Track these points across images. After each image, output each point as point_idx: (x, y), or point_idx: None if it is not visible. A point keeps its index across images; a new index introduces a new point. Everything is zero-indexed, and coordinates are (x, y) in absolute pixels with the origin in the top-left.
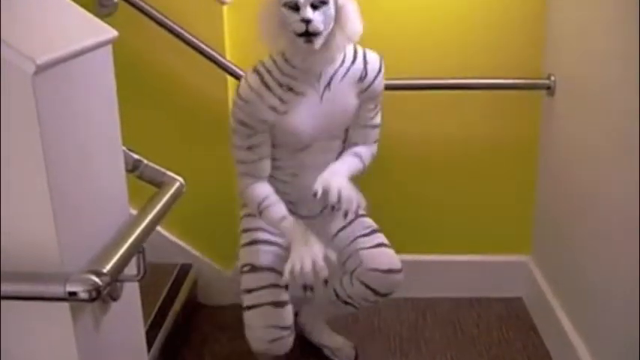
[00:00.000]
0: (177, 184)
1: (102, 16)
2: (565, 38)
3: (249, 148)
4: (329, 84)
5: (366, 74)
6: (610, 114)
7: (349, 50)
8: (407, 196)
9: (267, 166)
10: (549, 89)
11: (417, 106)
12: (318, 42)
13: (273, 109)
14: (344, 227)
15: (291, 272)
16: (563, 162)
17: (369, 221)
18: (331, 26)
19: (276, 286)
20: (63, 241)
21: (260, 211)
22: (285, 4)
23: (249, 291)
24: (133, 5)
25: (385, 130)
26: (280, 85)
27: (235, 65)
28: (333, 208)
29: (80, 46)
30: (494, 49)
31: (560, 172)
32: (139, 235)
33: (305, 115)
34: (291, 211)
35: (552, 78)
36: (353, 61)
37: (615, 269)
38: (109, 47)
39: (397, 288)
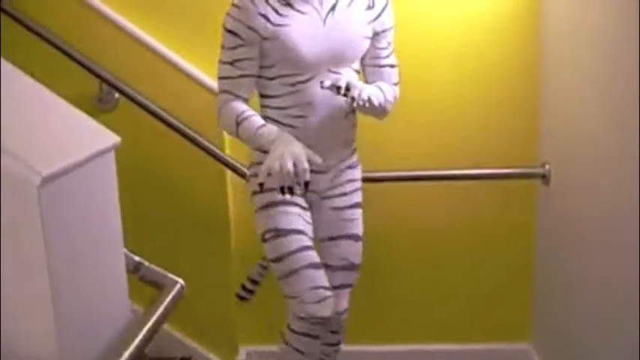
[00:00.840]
0: (177, 287)
1: (103, 111)
2: (559, 126)
3: (234, 62)
4: (333, 8)
5: (373, 4)
6: (606, 199)
7: None
8: (403, 285)
9: (249, 85)
10: (544, 177)
11: (412, 197)
12: None
13: (266, 17)
14: (342, 209)
15: (269, 170)
16: (560, 248)
17: (358, 250)
18: None
19: (308, 247)
20: (64, 345)
21: (238, 123)
22: None
23: (280, 259)
24: (133, 100)
25: (380, 220)
26: None
27: (234, 159)
28: (339, 91)
29: (84, 155)
30: (489, 138)
31: (557, 258)
32: (140, 343)
33: (305, 33)
34: None
35: (547, 167)
36: None
37: (618, 357)
38: (112, 153)
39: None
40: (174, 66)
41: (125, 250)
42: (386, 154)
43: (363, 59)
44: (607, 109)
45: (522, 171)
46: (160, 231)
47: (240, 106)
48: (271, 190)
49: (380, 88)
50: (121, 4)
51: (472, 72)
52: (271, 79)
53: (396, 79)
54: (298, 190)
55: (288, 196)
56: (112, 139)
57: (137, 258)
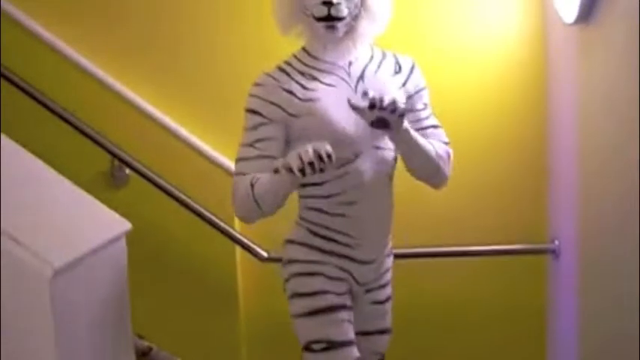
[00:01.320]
0: None
1: (114, 187)
2: (568, 202)
3: (254, 143)
4: (362, 77)
5: (400, 68)
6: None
7: (377, 50)
8: None
9: (268, 168)
10: (554, 253)
11: (423, 273)
12: (341, 29)
13: (291, 93)
14: (381, 302)
15: (288, 165)
16: (573, 328)
17: (387, 340)
18: (356, 11)
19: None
20: None
21: (252, 184)
22: None
23: None
24: (144, 177)
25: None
26: (302, 73)
27: (245, 236)
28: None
29: (96, 244)
30: (498, 214)
31: (570, 341)
32: None
33: (339, 105)
34: (348, 257)
35: (557, 242)
36: (383, 57)
37: None
38: (123, 240)
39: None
40: (187, 144)
41: (134, 335)
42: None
43: None
44: (615, 183)
45: (532, 247)
46: (168, 308)
47: (251, 176)
48: (314, 293)
49: (430, 143)
50: (135, 81)
51: (482, 149)
52: None
53: (445, 139)
54: (321, 165)
55: (309, 171)
56: (124, 225)
57: (145, 343)
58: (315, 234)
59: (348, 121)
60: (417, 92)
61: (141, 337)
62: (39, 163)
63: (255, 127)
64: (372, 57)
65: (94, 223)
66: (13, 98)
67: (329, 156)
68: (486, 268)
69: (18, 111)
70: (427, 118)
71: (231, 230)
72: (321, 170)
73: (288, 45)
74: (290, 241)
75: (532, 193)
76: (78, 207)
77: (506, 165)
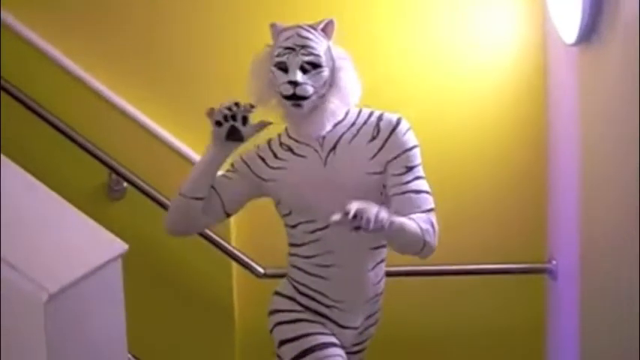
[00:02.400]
0: None
1: (112, 199)
2: (567, 221)
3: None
4: (334, 148)
5: (378, 132)
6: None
7: (363, 113)
8: None
9: (209, 197)
10: (552, 273)
11: (418, 291)
12: (307, 106)
13: (263, 160)
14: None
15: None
16: (572, 349)
17: None
18: (324, 90)
19: None
20: None
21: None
22: (275, 64)
23: None
24: (141, 190)
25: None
26: (281, 144)
27: (241, 252)
28: (352, 222)
29: (91, 267)
30: (496, 233)
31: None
32: None
33: (305, 177)
34: (336, 323)
35: (554, 262)
36: (364, 123)
37: None
38: (119, 261)
39: None
40: (185, 157)
41: (129, 355)
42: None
43: (386, 193)
44: (615, 203)
45: (530, 266)
46: (163, 322)
47: None
48: (299, 337)
49: (414, 220)
50: (133, 94)
51: (479, 169)
52: (293, 226)
53: (428, 205)
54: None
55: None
56: (120, 247)
57: None
58: (299, 292)
59: (310, 191)
60: (396, 157)
61: (135, 357)
62: (36, 184)
63: (226, 171)
64: (353, 123)
65: (90, 245)
66: (11, 110)
67: (248, 105)
68: (483, 286)
69: (15, 123)
70: (408, 182)
71: (227, 246)
72: (242, 119)
73: None
74: (277, 293)
75: (530, 212)
76: (74, 229)
77: (505, 184)
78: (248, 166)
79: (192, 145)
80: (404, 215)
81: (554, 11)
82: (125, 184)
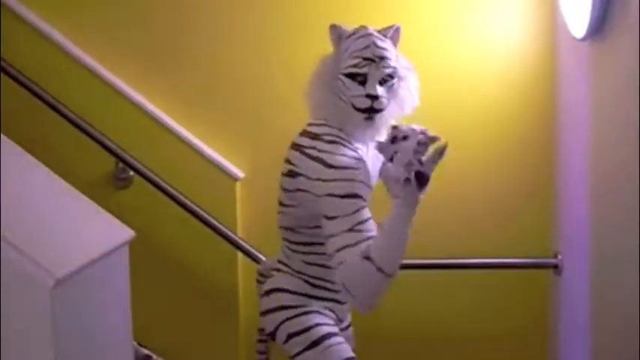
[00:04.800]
0: None
1: (118, 188)
2: (573, 216)
3: (354, 227)
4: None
5: None
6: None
7: None
8: None
9: None
10: (556, 268)
11: (419, 287)
12: (378, 118)
13: (369, 174)
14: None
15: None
16: (579, 344)
17: None
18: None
19: None
20: None
21: (366, 257)
22: (348, 75)
23: None
24: (147, 179)
25: (387, 310)
26: (354, 149)
27: (246, 242)
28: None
29: (98, 253)
30: (500, 228)
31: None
32: None
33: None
34: (333, 300)
35: (559, 256)
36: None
37: None
38: (126, 248)
39: None
40: (191, 147)
41: (134, 343)
42: None
43: None
44: (623, 199)
45: (534, 261)
46: (167, 311)
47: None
48: (307, 329)
49: None
50: (141, 84)
51: (485, 162)
52: (315, 227)
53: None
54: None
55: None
56: (127, 233)
57: (145, 351)
58: (314, 285)
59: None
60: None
61: (140, 345)
62: (42, 169)
63: (353, 211)
64: None
65: (96, 232)
66: (17, 98)
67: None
68: (487, 280)
69: (22, 111)
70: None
71: (232, 235)
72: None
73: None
74: (280, 290)
75: (535, 207)
76: (81, 215)
77: (511, 178)
78: (370, 187)
79: (200, 135)
80: None
81: (563, 5)
82: (131, 172)
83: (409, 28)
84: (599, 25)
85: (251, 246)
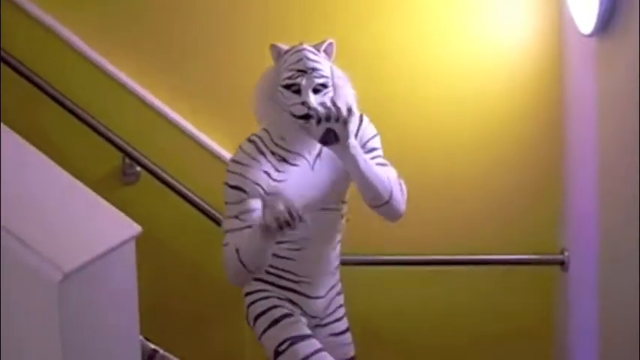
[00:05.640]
0: None
1: (125, 183)
2: (580, 213)
3: (239, 215)
4: (319, 154)
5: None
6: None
7: None
8: None
9: None
10: (563, 264)
11: (424, 283)
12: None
13: (268, 174)
14: (338, 334)
15: (266, 222)
16: (581, 342)
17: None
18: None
19: (321, 350)
20: None
21: (237, 250)
22: (285, 86)
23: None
24: (154, 175)
25: (392, 307)
26: (273, 153)
27: None
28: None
29: (105, 248)
30: (507, 224)
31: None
32: None
33: (298, 185)
34: (304, 294)
35: (566, 253)
36: None
37: None
38: (133, 243)
39: None
40: (198, 143)
41: (141, 337)
42: (399, 237)
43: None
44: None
45: (540, 257)
46: (173, 306)
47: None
48: (270, 308)
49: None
50: (148, 79)
51: (492, 157)
52: None
53: (394, 174)
54: (293, 224)
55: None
56: (134, 228)
57: (152, 345)
58: (267, 272)
59: (300, 199)
60: (364, 143)
61: (147, 339)
62: (49, 165)
63: (239, 202)
64: None
65: (103, 226)
66: (24, 93)
67: (299, 215)
68: (493, 277)
69: (29, 107)
70: (374, 158)
71: None
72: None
73: None
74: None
75: (542, 203)
76: (88, 209)
77: (517, 174)
78: (260, 187)
79: (207, 131)
80: None
81: (570, 1)
82: (138, 168)
83: (417, 25)
84: (607, 21)
85: None
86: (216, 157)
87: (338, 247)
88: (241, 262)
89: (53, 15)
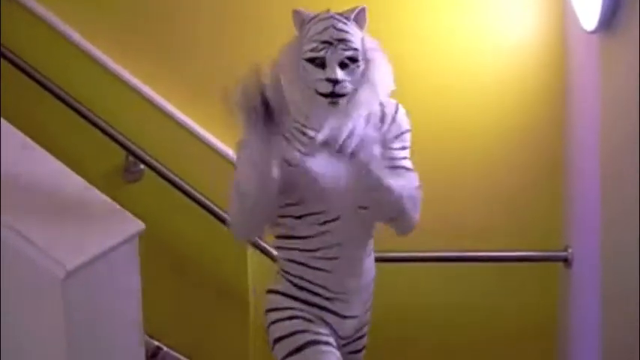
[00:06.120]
0: None
1: (129, 182)
2: (584, 209)
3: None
4: (349, 137)
5: (384, 116)
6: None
7: None
8: None
9: None
10: (566, 261)
11: (426, 280)
12: (343, 103)
13: (289, 141)
14: (357, 352)
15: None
16: (584, 338)
17: None
18: (358, 84)
19: None
20: None
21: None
22: (308, 60)
23: None
24: (158, 173)
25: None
26: (303, 132)
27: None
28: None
29: (109, 245)
30: (510, 220)
31: (586, 349)
32: None
33: (327, 167)
34: (329, 310)
35: (569, 250)
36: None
37: None
38: (136, 240)
39: None
40: (202, 141)
41: (144, 334)
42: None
43: None
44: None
45: (544, 254)
46: (177, 304)
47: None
48: (294, 332)
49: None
50: (151, 77)
51: (495, 154)
52: (298, 217)
53: (415, 183)
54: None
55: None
56: (137, 225)
57: (156, 342)
58: (298, 286)
59: (329, 177)
60: (396, 136)
61: (150, 336)
62: (53, 162)
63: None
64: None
65: (107, 224)
66: (28, 91)
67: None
68: (495, 273)
69: (32, 105)
70: (401, 159)
71: None
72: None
73: None
74: (271, 291)
75: (546, 200)
76: (91, 207)
77: (521, 170)
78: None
79: (210, 129)
80: None
81: None
82: (142, 166)
83: (420, 18)
84: (609, 18)
85: (260, 239)
86: (220, 155)
87: (372, 256)
88: (242, 193)
89: (55, 12)
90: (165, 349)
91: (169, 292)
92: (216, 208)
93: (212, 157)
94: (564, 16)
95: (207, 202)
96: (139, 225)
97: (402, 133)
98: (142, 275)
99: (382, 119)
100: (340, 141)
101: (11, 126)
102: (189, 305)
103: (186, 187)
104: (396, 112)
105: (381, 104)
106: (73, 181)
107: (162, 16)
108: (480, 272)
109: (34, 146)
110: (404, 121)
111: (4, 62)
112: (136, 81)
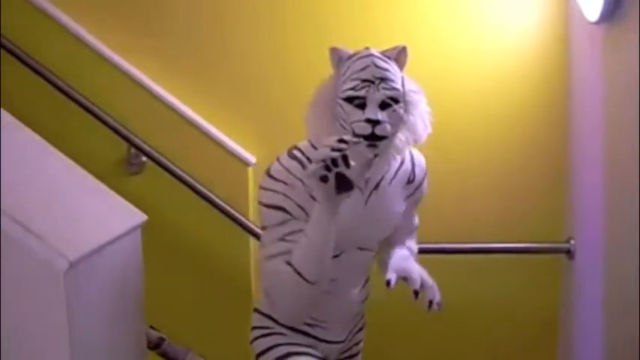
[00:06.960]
0: None
1: (130, 174)
2: (586, 201)
3: (285, 237)
4: (377, 187)
5: (414, 177)
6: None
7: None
8: None
9: None
10: (569, 253)
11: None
12: (382, 147)
13: (314, 199)
14: None
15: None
16: (586, 330)
17: None
18: (397, 128)
19: None
20: None
21: (288, 263)
22: (347, 99)
23: None
24: (160, 165)
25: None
26: None
27: (258, 227)
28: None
29: (111, 236)
30: (513, 212)
31: (589, 342)
32: None
33: (347, 217)
34: (317, 338)
35: (572, 242)
36: (401, 164)
37: None
38: (139, 231)
39: None
40: (204, 133)
41: (146, 325)
42: None
43: None
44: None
45: (547, 246)
46: (179, 297)
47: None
48: (273, 345)
49: (412, 253)
50: (153, 69)
51: (499, 146)
52: None
53: (415, 238)
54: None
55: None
56: (139, 217)
57: (157, 334)
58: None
59: (347, 232)
60: (417, 201)
61: (152, 327)
62: (55, 153)
63: (282, 223)
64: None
65: (109, 215)
66: (31, 83)
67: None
68: (498, 265)
69: (35, 97)
70: (414, 222)
71: (244, 220)
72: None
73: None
74: (256, 310)
75: (549, 191)
76: (94, 198)
77: (524, 162)
78: (305, 212)
79: (212, 121)
80: (401, 234)
81: None
82: (144, 158)
83: (422, 12)
84: (613, 8)
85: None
86: (222, 147)
87: (365, 289)
88: (299, 273)
89: (56, 4)
90: (167, 340)
91: (172, 283)
92: (218, 200)
93: (214, 149)
94: (567, 6)
95: (209, 194)
96: (141, 217)
97: (423, 195)
98: (143, 266)
99: (411, 180)
100: (365, 182)
101: (13, 118)
102: (192, 296)
103: (188, 178)
104: (423, 178)
105: (413, 159)
106: (75, 173)
107: (165, 9)
108: (483, 264)
109: (35, 138)
110: (426, 188)
111: (4, 54)
112: (138, 73)
